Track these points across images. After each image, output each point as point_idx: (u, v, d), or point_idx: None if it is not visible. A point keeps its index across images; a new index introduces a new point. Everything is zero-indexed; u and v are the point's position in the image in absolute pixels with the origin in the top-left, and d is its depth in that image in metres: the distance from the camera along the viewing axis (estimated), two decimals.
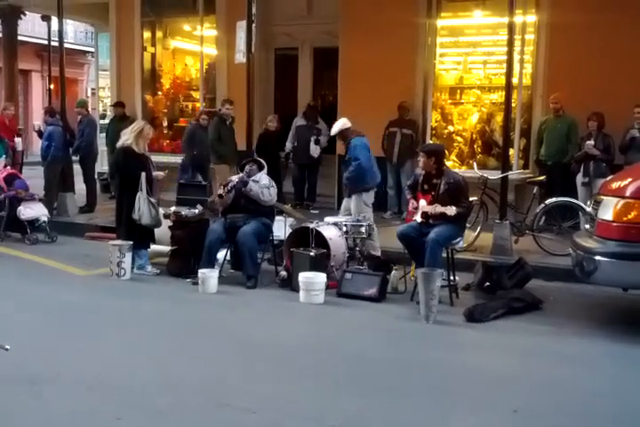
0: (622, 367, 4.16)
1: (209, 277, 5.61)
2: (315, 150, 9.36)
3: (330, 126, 9.52)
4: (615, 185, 4.86)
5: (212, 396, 3.53)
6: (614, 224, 4.63)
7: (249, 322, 4.95)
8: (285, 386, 3.71)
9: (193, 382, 3.73)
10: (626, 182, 4.74)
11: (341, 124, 6.89)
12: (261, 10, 8.77)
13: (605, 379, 3.96)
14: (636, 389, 3.79)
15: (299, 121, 9.64)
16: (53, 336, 4.52)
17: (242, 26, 7.83)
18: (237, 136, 8.80)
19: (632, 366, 4.18)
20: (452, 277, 5.58)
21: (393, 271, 5.93)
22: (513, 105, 7.65)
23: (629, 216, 4.56)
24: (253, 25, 7.72)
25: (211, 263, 5.89)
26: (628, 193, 4.62)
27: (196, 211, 6.29)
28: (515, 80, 7.65)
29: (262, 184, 6.03)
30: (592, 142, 7.16)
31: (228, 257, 6.24)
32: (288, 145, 9.59)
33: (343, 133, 6.83)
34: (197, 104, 10.59)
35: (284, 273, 5.96)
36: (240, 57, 7.88)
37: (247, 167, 6.21)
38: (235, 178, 6.19)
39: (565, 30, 7.85)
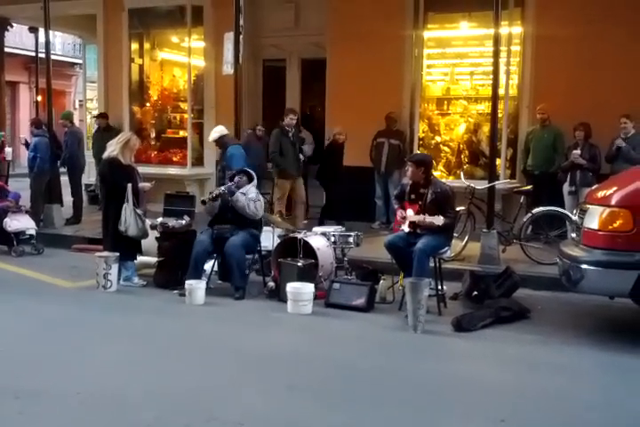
0: (611, 376, 4.16)
1: (196, 288, 5.58)
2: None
3: (315, 136, 9.64)
4: (601, 194, 4.89)
5: (199, 409, 3.49)
6: (600, 233, 4.65)
7: (237, 333, 4.92)
8: (274, 398, 3.67)
9: (180, 395, 3.68)
10: (611, 191, 4.77)
11: (219, 130, 7.04)
12: (249, 22, 8.82)
13: (595, 388, 3.95)
14: (625, 398, 3.79)
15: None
16: (38, 349, 4.46)
17: (229, 37, 7.86)
18: None
19: (621, 374, 4.18)
20: (439, 287, 5.58)
21: (381, 281, 5.93)
22: (500, 115, 7.72)
23: (615, 225, 4.58)
24: (241, 37, 7.76)
25: (198, 274, 5.86)
26: (613, 202, 4.64)
27: (183, 222, 6.26)
28: (501, 91, 7.72)
29: (250, 197, 6.01)
30: (579, 152, 7.22)
31: (216, 268, 6.21)
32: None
33: (221, 140, 6.94)
34: (185, 115, 10.58)
35: (271, 284, 5.94)
36: (228, 68, 7.91)
37: (236, 178, 6.19)
38: (222, 187, 6.18)
39: (551, 42, 7.95)
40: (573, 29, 7.74)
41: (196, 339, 4.73)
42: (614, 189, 4.79)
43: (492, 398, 3.72)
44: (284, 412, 3.50)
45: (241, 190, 6.05)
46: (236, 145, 7.08)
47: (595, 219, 4.70)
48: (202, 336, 4.81)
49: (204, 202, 5.99)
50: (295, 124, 8.26)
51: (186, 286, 5.62)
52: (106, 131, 9.91)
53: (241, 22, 7.79)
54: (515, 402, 3.67)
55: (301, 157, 9.30)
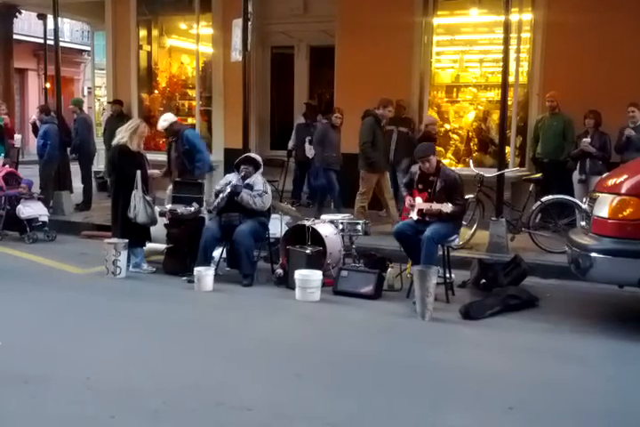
0: (620, 365, 4.16)
1: (205, 275, 5.60)
2: (309, 150, 9.34)
3: None
4: (611, 182, 4.86)
5: (207, 395, 3.52)
6: (610, 221, 4.63)
7: (244, 320, 4.94)
8: (282, 384, 3.70)
9: (188, 380, 3.71)
10: (621, 179, 4.74)
11: (169, 118, 7.03)
12: (258, 8, 8.76)
13: (603, 377, 3.95)
14: (633, 386, 3.78)
15: (299, 119, 9.64)
16: (47, 335, 4.50)
17: (238, 24, 7.80)
18: (233, 133, 8.71)
19: (629, 363, 4.18)
20: (447, 275, 5.58)
21: (389, 269, 5.93)
22: (509, 103, 7.66)
23: (625, 213, 4.56)
24: (249, 23, 7.69)
25: (207, 261, 5.88)
26: (623, 190, 4.61)
27: (192, 209, 6.27)
28: (511, 78, 7.65)
29: (255, 191, 5.99)
30: (589, 140, 7.17)
31: (224, 255, 6.23)
32: (290, 143, 9.57)
33: (172, 127, 6.90)
34: (193, 102, 10.57)
35: (280, 271, 5.95)
36: (236, 55, 7.85)
37: (243, 168, 6.18)
38: (229, 178, 6.16)
39: (562, 29, 7.87)
40: (584, 17, 7.65)
41: (204, 325, 4.76)
42: (625, 177, 4.75)
43: (500, 387, 3.73)
44: (291, 398, 3.52)
45: (247, 181, 6.03)
46: (189, 129, 7.13)
47: (605, 207, 4.67)
48: (210, 323, 4.84)
49: (210, 211, 6.07)
50: (389, 115, 7.75)
51: (195, 272, 5.64)
52: (119, 118, 9.91)
53: (249, 9, 7.72)
54: (522, 390, 3.67)
55: (312, 147, 9.30)
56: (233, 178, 6.16)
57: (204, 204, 6.48)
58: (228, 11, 9.26)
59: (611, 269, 4.62)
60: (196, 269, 5.64)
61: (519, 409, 3.42)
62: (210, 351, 4.23)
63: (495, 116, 8.39)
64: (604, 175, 5.36)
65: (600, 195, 4.83)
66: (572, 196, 7.02)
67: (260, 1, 9.35)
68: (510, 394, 3.61)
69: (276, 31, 10.11)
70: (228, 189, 5.96)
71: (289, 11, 9.90)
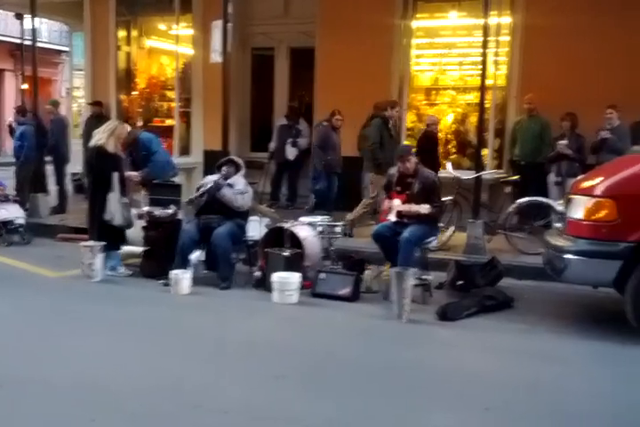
0: (596, 365, 4.20)
1: (181, 278, 5.57)
2: (290, 153, 9.34)
3: (311, 127, 9.60)
4: (586, 184, 4.91)
5: (185, 398, 3.49)
6: (584, 223, 4.67)
7: (222, 323, 4.92)
8: (259, 387, 3.68)
9: (165, 383, 3.69)
10: (596, 181, 4.78)
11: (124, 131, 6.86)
12: (238, 9, 8.75)
13: (579, 377, 3.98)
14: (610, 387, 3.82)
15: (280, 121, 9.64)
16: (23, 338, 4.44)
17: (217, 25, 7.79)
18: (213, 135, 8.68)
19: (604, 363, 4.22)
20: (425, 276, 5.60)
21: (367, 271, 5.94)
22: (487, 106, 7.72)
23: (599, 215, 4.60)
24: (229, 24, 7.69)
25: (184, 264, 5.83)
26: (598, 192, 4.65)
27: (170, 211, 6.24)
28: (489, 81, 7.72)
29: (237, 189, 5.98)
30: (565, 142, 7.25)
31: (202, 258, 6.19)
32: (271, 145, 9.57)
33: (130, 137, 6.65)
34: (173, 104, 10.52)
35: (258, 273, 5.94)
36: (216, 56, 7.84)
37: (224, 169, 6.16)
38: (210, 179, 6.14)
39: (540, 32, 7.95)
40: (562, 20, 7.73)
41: (181, 328, 4.73)
42: (599, 179, 4.80)
43: (477, 387, 3.75)
44: (269, 400, 3.51)
45: (229, 181, 6.02)
46: (144, 132, 7.09)
47: (579, 209, 4.72)
48: (186, 326, 4.80)
49: (191, 201, 5.97)
50: (396, 116, 7.91)
51: (171, 275, 5.60)
52: (98, 119, 9.81)
53: (229, 10, 7.72)
54: (499, 391, 3.69)
55: (294, 150, 9.31)
56: (214, 178, 6.14)
57: (182, 206, 6.45)
58: (208, 12, 9.23)
59: (585, 270, 4.66)
60: (173, 273, 5.60)
61: (495, 410, 3.44)
62: (187, 354, 4.20)
63: (473, 119, 8.45)
64: (580, 177, 5.41)
65: (575, 197, 4.88)
66: (547, 197, 7.09)
67: (241, 2, 9.33)
68: (487, 394, 3.64)
69: (257, 32, 10.10)
70: (209, 185, 5.94)
71: (269, 12, 9.90)
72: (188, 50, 10.42)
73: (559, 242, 4.87)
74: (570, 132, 7.39)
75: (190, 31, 10.29)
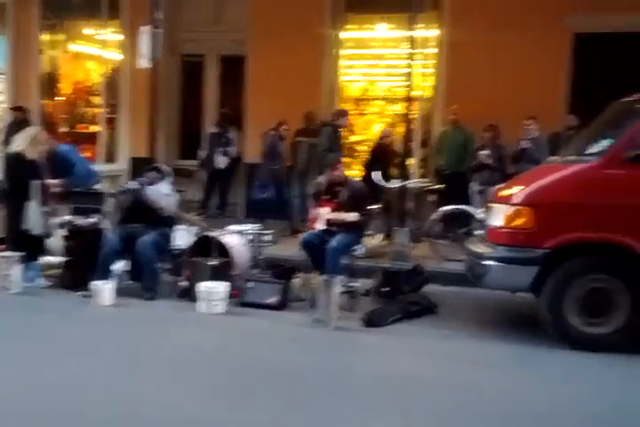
0: (514, 366, 4.33)
1: (103, 289, 5.40)
2: (221, 162, 9.26)
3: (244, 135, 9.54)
4: (505, 193, 5.08)
5: (107, 412, 3.38)
6: (503, 230, 4.82)
7: (145, 335, 4.79)
8: (186, 398, 3.60)
9: (87, 399, 3.54)
10: (515, 190, 4.95)
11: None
12: (167, 15, 8.63)
13: (502, 379, 4.07)
14: (529, 386, 3.94)
15: (210, 129, 9.55)
16: None
17: (145, 31, 7.68)
18: (140, 142, 8.54)
19: (523, 364, 4.36)
20: (352, 284, 5.66)
21: (296, 279, 5.95)
22: (414, 117, 7.91)
23: (517, 222, 4.76)
24: (158, 30, 7.60)
25: (106, 275, 5.68)
26: (516, 200, 4.81)
27: (92, 220, 6.06)
28: (416, 93, 7.91)
29: (162, 193, 5.89)
30: (486, 152, 7.50)
31: (126, 268, 6.04)
32: (201, 153, 9.46)
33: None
34: (97, 110, 10.27)
35: (184, 283, 5.83)
36: (143, 62, 7.72)
37: (149, 175, 6.05)
38: (136, 183, 6.01)
39: (465, 46, 8.22)
40: (485, 35, 8.04)
41: (102, 342, 4.57)
42: (518, 188, 4.97)
43: (401, 392, 3.80)
44: (195, 412, 3.43)
45: (153, 187, 5.92)
46: (58, 147, 6.96)
47: (499, 216, 4.88)
48: (108, 339, 4.65)
49: (114, 195, 5.82)
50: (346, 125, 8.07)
51: (92, 286, 5.44)
52: (19, 125, 9.41)
53: (158, 16, 7.63)
54: (422, 395, 3.76)
55: (224, 159, 9.23)
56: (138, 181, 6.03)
57: (105, 214, 6.29)
58: (136, 17, 9.07)
59: (504, 276, 4.80)
60: (94, 283, 5.44)
61: (417, 413, 3.49)
62: (107, 367, 4.06)
63: (400, 129, 8.61)
64: (499, 186, 5.60)
65: (495, 205, 5.05)
66: (470, 206, 7.30)
67: (170, 8, 9.22)
68: (410, 399, 3.69)
69: (187, 39, 10.01)
70: (136, 183, 5.81)
71: (200, 19, 9.84)
72: (115, 55, 10.22)
73: (480, 249, 5.02)
74: (491, 143, 7.66)
75: (118, 36, 10.10)
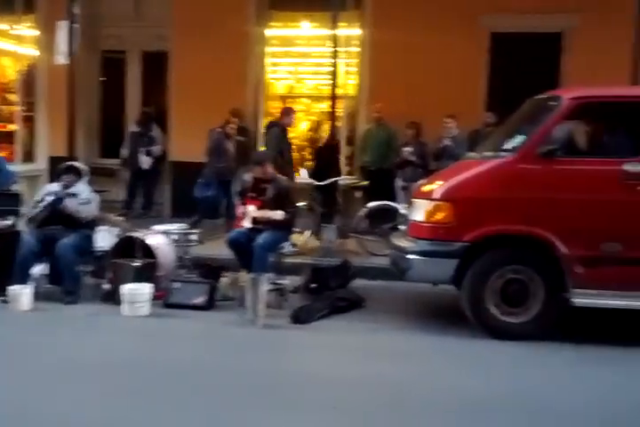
0: (435, 358, 4.44)
1: (20, 293, 5.20)
2: (145, 162, 9.07)
3: (165, 133, 9.36)
4: (426, 188, 5.21)
5: (21, 422, 3.26)
6: (425, 225, 4.95)
7: (66, 340, 4.64)
8: (104, 404, 3.51)
9: (3, 410, 3.39)
10: (435, 186, 5.08)
11: None
12: (85, 10, 8.38)
13: (422, 370, 4.18)
14: (448, 378, 4.04)
15: (132, 127, 9.34)
16: None
17: (62, 26, 7.44)
18: (60, 140, 8.23)
19: (444, 356, 4.48)
20: (280, 281, 5.66)
21: (223, 278, 5.91)
22: (339, 114, 7.99)
23: (438, 217, 4.89)
24: (76, 25, 7.37)
25: (24, 279, 5.46)
26: (436, 196, 4.94)
27: (8, 222, 5.81)
28: (341, 91, 7.99)
29: (81, 199, 5.68)
30: (409, 149, 7.66)
31: (45, 271, 5.83)
32: (123, 152, 9.23)
33: None
34: (13, 108, 9.84)
35: (107, 286, 5.68)
36: (61, 58, 7.47)
37: (64, 177, 5.83)
38: (50, 189, 5.79)
39: (387, 45, 8.36)
40: (405, 34, 8.21)
41: (20, 347, 4.40)
42: (438, 183, 5.10)
43: (327, 387, 3.83)
44: (114, 417, 3.35)
45: (71, 190, 5.71)
46: None
47: (420, 212, 5.00)
48: (26, 345, 4.48)
49: (32, 219, 5.57)
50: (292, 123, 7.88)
51: (10, 291, 5.22)
52: None
53: (76, 10, 7.39)
54: (347, 389, 3.79)
55: (148, 159, 9.04)
56: (54, 188, 5.80)
57: (23, 216, 6.03)
58: (52, 12, 8.74)
59: (426, 269, 4.92)
60: (11, 288, 5.22)
61: (342, 408, 3.53)
62: (25, 375, 3.91)
63: (327, 127, 8.70)
64: (421, 182, 5.73)
65: (416, 200, 5.17)
66: (395, 202, 7.45)
67: (89, 3, 8.96)
68: (336, 394, 3.72)
69: (107, 35, 9.75)
70: (50, 199, 5.59)
71: (120, 14, 9.60)
72: (31, 51, 9.81)
73: (403, 243, 5.13)
74: (414, 140, 7.82)
75: (34, 32, 9.70)
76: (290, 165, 7.81)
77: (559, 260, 4.67)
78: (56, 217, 5.62)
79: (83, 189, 5.80)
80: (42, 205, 5.59)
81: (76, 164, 6.05)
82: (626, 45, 6.48)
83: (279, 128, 7.74)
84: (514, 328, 4.79)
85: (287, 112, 7.88)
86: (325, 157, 8.18)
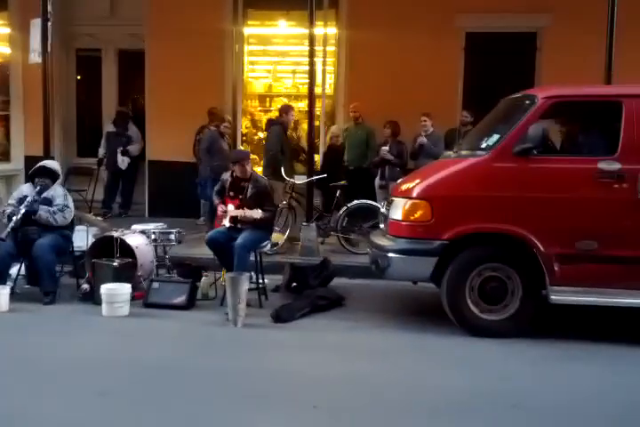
0: (413, 356, 4.48)
1: None
2: (122, 162, 9.01)
3: (142, 132, 9.26)
4: (404, 187, 5.24)
5: (2, 425, 3.24)
6: (403, 223, 4.98)
7: (45, 341, 4.60)
8: (83, 405, 3.50)
9: None
10: (412, 184, 5.12)
11: None
12: (60, 8, 8.31)
13: (401, 368, 4.21)
14: (424, 375, 4.09)
15: (108, 127, 9.26)
16: None
17: (36, 24, 7.33)
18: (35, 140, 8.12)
19: (422, 353, 4.53)
20: (260, 280, 5.67)
21: (203, 278, 5.89)
22: (317, 113, 8.00)
23: (416, 215, 4.93)
24: (50, 23, 7.26)
25: (2, 279, 5.40)
26: (414, 194, 4.98)
27: None
28: (319, 90, 8.00)
29: (55, 205, 5.61)
30: (387, 148, 7.69)
31: (23, 272, 5.77)
32: (100, 151, 9.15)
33: None
34: None
35: (85, 286, 5.64)
36: (35, 57, 7.37)
37: (38, 181, 5.72)
38: (25, 192, 5.70)
39: (363, 44, 8.41)
40: (381, 34, 8.24)
41: None
42: (415, 182, 5.13)
43: (308, 386, 3.85)
44: (91, 418, 3.34)
45: (45, 195, 5.64)
46: None
47: (398, 210, 5.02)
48: (4, 346, 4.44)
49: (3, 240, 5.40)
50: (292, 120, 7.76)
51: None
52: None
53: (49, 8, 7.29)
54: (328, 388, 3.82)
55: (125, 158, 8.97)
56: (28, 190, 5.72)
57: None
58: (26, 10, 8.62)
59: (405, 267, 4.96)
60: None
61: (324, 406, 3.55)
62: (4, 374, 3.89)
63: (305, 126, 8.67)
64: (399, 181, 5.77)
65: (395, 199, 5.19)
66: (375, 200, 7.50)
67: (63, 1, 8.86)
68: (317, 392, 3.75)
69: (81, 33, 9.66)
70: (22, 211, 5.48)
71: (95, 12, 9.52)
72: (5, 49, 9.67)
73: (382, 242, 5.16)
74: (391, 139, 7.85)
75: (7, 30, 9.56)
76: (292, 168, 7.77)
77: (536, 257, 4.74)
78: (32, 220, 5.55)
79: (58, 192, 5.72)
80: (15, 219, 5.43)
81: (49, 165, 5.89)
82: (600, 44, 6.58)
83: (280, 127, 7.60)
84: (492, 326, 4.84)
85: (286, 110, 7.71)
86: (331, 160, 8.13)
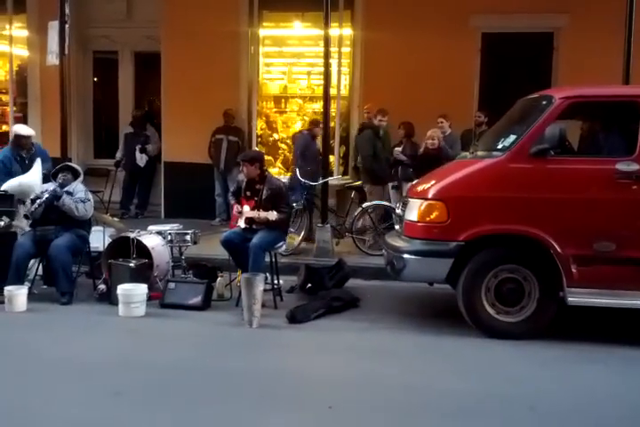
0: (427, 358, 4.47)
1: (16, 294, 5.20)
2: (140, 159, 9.09)
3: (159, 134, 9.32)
4: (420, 188, 5.22)
5: (22, 421, 3.27)
6: (419, 224, 4.96)
7: (62, 341, 4.65)
8: (98, 405, 3.52)
9: None
10: (428, 185, 5.10)
11: None
12: (77, 10, 8.40)
13: (415, 371, 4.20)
14: (439, 378, 4.06)
15: (126, 129, 9.35)
16: None
17: (54, 26, 7.42)
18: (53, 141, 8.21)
19: (437, 356, 4.51)
20: (275, 281, 5.68)
21: (218, 279, 5.91)
22: (332, 114, 7.99)
23: (431, 216, 4.91)
24: (67, 26, 7.34)
25: (20, 280, 5.46)
26: (430, 195, 4.97)
27: (1, 223, 5.79)
28: (334, 91, 7.99)
29: (77, 197, 5.69)
30: (399, 149, 7.66)
31: (40, 272, 5.83)
32: (118, 154, 9.25)
33: None
34: (7, 108, 9.82)
35: (102, 286, 5.69)
36: (52, 59, 7.45)
37: (60, 176, 5.84)
38: (46, 187, 5.79)
39: (379, 45, 8.37)
40: (397, 34, 8.21)
41: (17, 348, 4.41)
42: (431, 183, 5.12)
43: (323, 387, 3.86)
44: (107, 418, 3.37)
45: (67, 189, 5.72)
46: None
47: (414, 211, 5.00)
48: (23, 345, 4.49)
49: (27, 217, 5.56)
50: (384, 125, 7.75)
51: (5, 292, 5.21)
52: None
53: (67, 11, 7.37)
54: (343, 389, 3.82)
55: (144, 156, 9.05)
56: (50, 186, 5.80)
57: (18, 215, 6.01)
58: (44, 12, 8.71)
59: (421, 268, 4.94)
60: (7, 289, 5.22)
61: (338, 407, 3.54)
62: (21, 375, 3.92)
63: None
64: (415, 181, 5.75)
65: (410, 200, 5.17)
66: (390, 201, 7.48)
67: (80, 3, 8.95)
68: (332, 393, 3.75)
69: (98, 35, 9.72)
70: (47, 195, 5.58)
71: (111, 15, 9.58)
72: (23, 51, 9.79)
73: (397, 243, 5.15)
74: (405, 140, 7.83)
75: (25, 32, 9.68)
76: (387, 172, 7.72)
77: (554, 259, 4.70)
78: (50, 216, 5.61)
79: (79, 189, 5.81)
80: (39, 201, 5.57)
81: (71, 164, 6.06)
82: (618, 44, 6.52)
83: (372, 131, 7.69)
84: (509, 327, 4.81)
85: (376, 113, 7.77)
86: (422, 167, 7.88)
